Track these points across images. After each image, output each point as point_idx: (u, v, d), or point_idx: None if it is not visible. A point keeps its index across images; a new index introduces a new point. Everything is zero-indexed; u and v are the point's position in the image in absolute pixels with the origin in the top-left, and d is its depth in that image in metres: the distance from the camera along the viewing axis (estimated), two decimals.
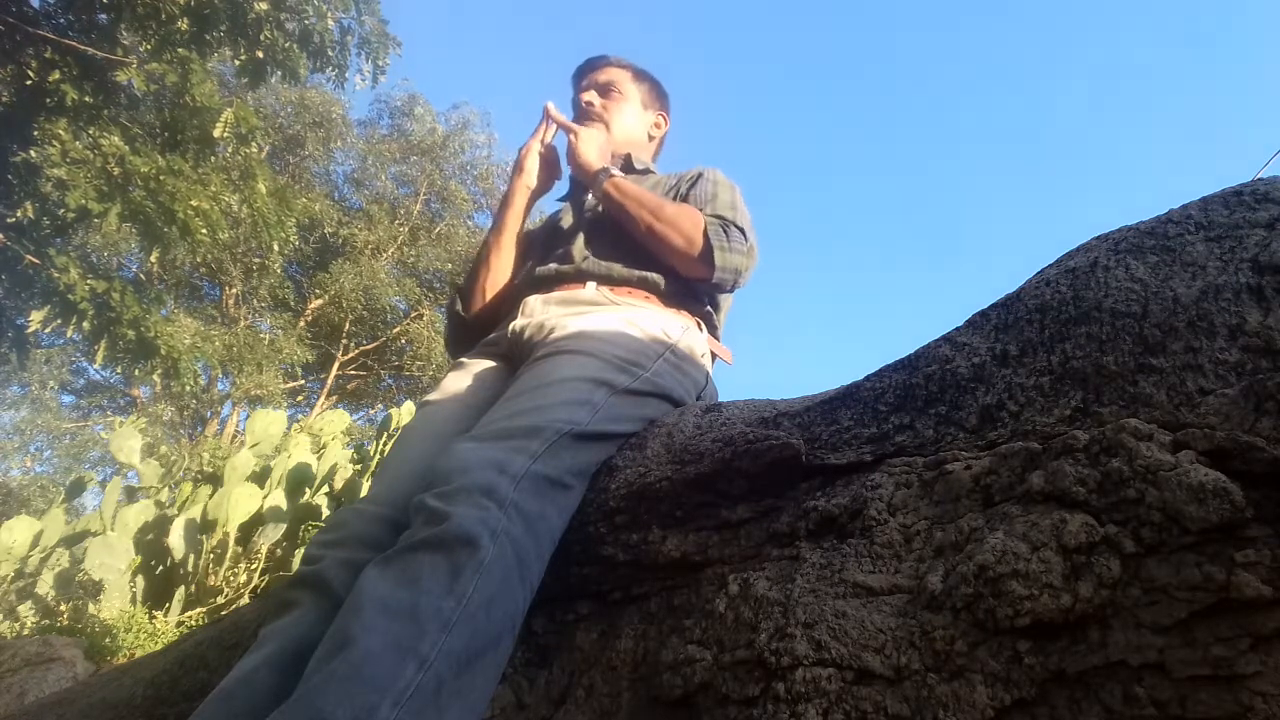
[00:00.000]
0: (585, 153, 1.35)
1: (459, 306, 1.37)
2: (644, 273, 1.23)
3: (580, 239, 1.30)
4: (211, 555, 4.54)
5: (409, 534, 0.75)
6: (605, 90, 1.48)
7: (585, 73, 1.52)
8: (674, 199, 1.34)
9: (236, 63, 5.32)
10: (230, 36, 5.14)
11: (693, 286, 1.26)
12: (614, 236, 1.29)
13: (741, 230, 1.24)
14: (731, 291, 1.29)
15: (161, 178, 4.84)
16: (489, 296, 1.35)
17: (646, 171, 1.46)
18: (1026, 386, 0.70)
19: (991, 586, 0.57)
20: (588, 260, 1.25)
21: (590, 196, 1.42)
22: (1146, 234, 0.75)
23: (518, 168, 1.40)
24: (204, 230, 5.10)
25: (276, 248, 6.08)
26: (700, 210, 1.26)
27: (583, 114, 1.47)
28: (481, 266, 1.37)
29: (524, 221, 1.41)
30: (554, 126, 1.44)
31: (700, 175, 1.39)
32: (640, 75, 1.53)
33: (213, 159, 5.51)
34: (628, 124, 1.49)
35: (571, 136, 1.38)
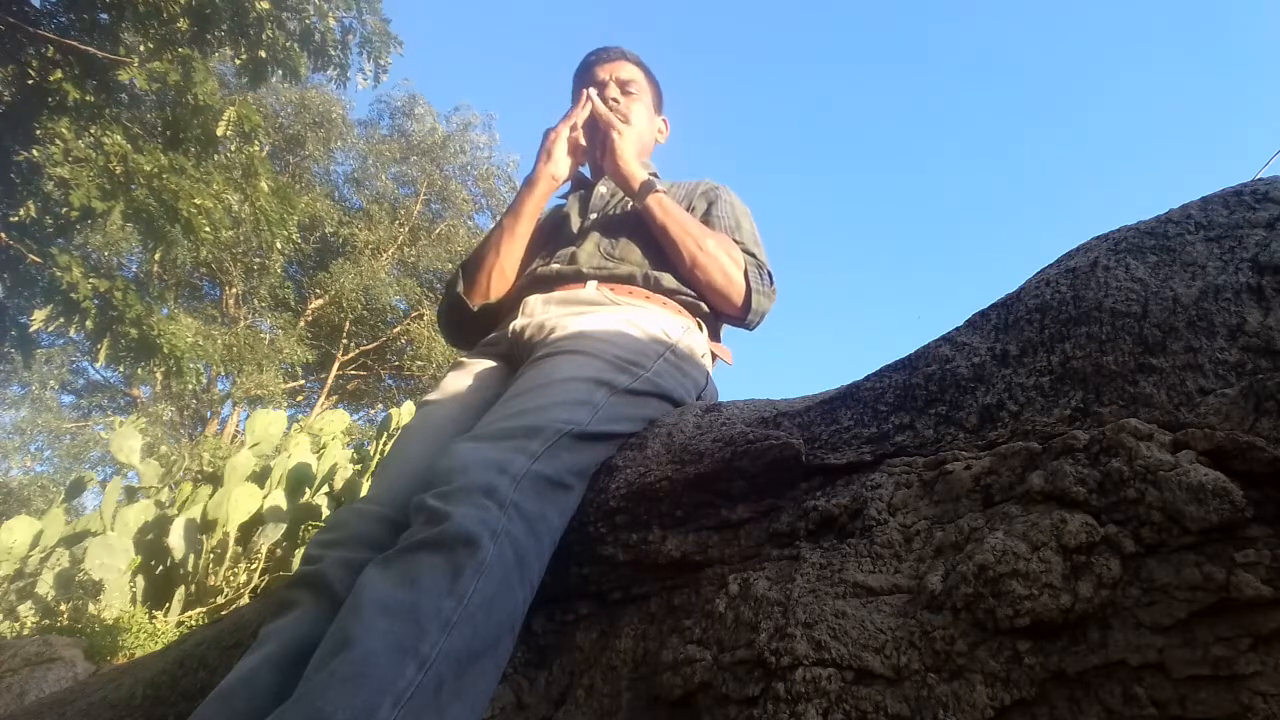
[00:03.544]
0: (629, 157, 1.30)
1: (459, 286, 1.32)
2: (645, 272, 1.23)
3: (583, 240, 1.29)
4: (211, 555, 4.54)
5: (409, 534, 0.74)
6: (624, 88, 1.44)
7: (602, 62, 1.46)
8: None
9: (237, 62, 5.33)
10: (231, 36, 5.15)
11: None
12: (618, 237, 1.29)
13: (770, 275, 1.27)
14: (749, 330, 1.30)
15: (164, 176, 4.85)
16: (493, 282, 1.30)
17: (652, 175, 1.45)
18: (1026, 386, 0.70)
19: (991, 586, 0.57)
20: (590, 260, 1.25)
21: (595, 196, 1.42)
22: (1146, 234, 0.75)
23: (545, 154, 1.33)
24: (207, 229, 5.11)
25: (279, 245, 6.09)
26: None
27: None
28: (491, 250, 1.31)
29: (542, 210, 1.35)
30: (585, 113, 1.36)
31: (717, 196, 1.38)
32: (650, 75, 1.50)
33: (215, 157, 5.52)
34: (642, 127, 1.45)
35: (615, 134, 1.32)
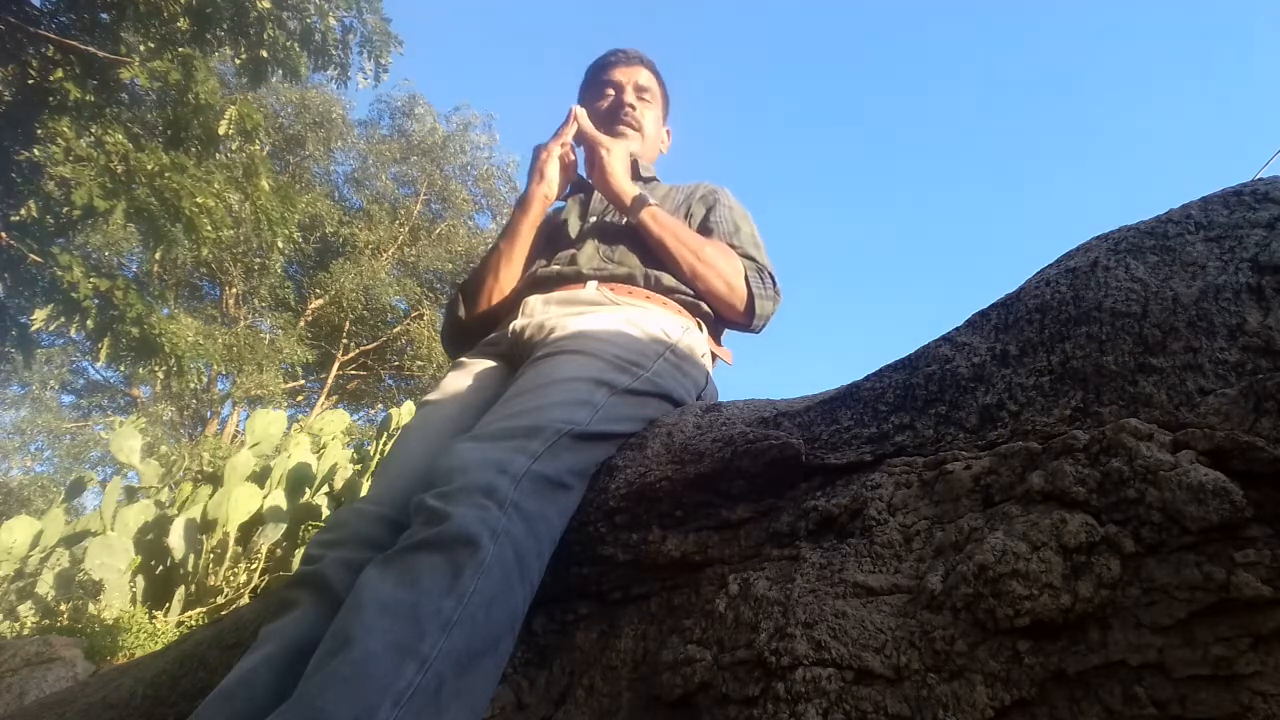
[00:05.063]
0: (618, 175, 1.30)
1: (460, 311, 1.33)
2: (645, 272, 1.23)
3: (583, 244, 1.30)
4: (211, 555, 4.55)
5: (409, 534, 0.75)
6: (640, 94, 1.46)
7: (621, 65, 1.47)
8: (684, 217, 1.34)
9: (237, 62, 5.34)
10: (231, 35, 5.16)
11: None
12: (618, 242, 1.29)
13: (773, 276, 1.27)
14: (756, 334, 1.30)
15: (166, 175, 4.85)
16: (493, 304, 1.31)
17: (652, 180, 1.46)
18: (1026, 386, 0.70)
19: (991, 586, 0.57)
20: (589, 263, 1.25)
21: (594, 200, 1.42)
22: (1146, 234, 0.75)
23: (537, 174, 1.34)
24: (209, 227, 5.11)
25: (280, 245, 6.09)
26: (728, 245, 1.27)
27: (620, 116, 1.43)
28: (489, 274, 1.32)
29: (536, 229, 1.35)
30: (573, 129, 1.37)
31: (716, 200, 1.38)
32: (664, 84, 1.52)
33: (216, 156, 5.52)
34: (652, 135, 1.48)
35: (603, 152, 1.31)
